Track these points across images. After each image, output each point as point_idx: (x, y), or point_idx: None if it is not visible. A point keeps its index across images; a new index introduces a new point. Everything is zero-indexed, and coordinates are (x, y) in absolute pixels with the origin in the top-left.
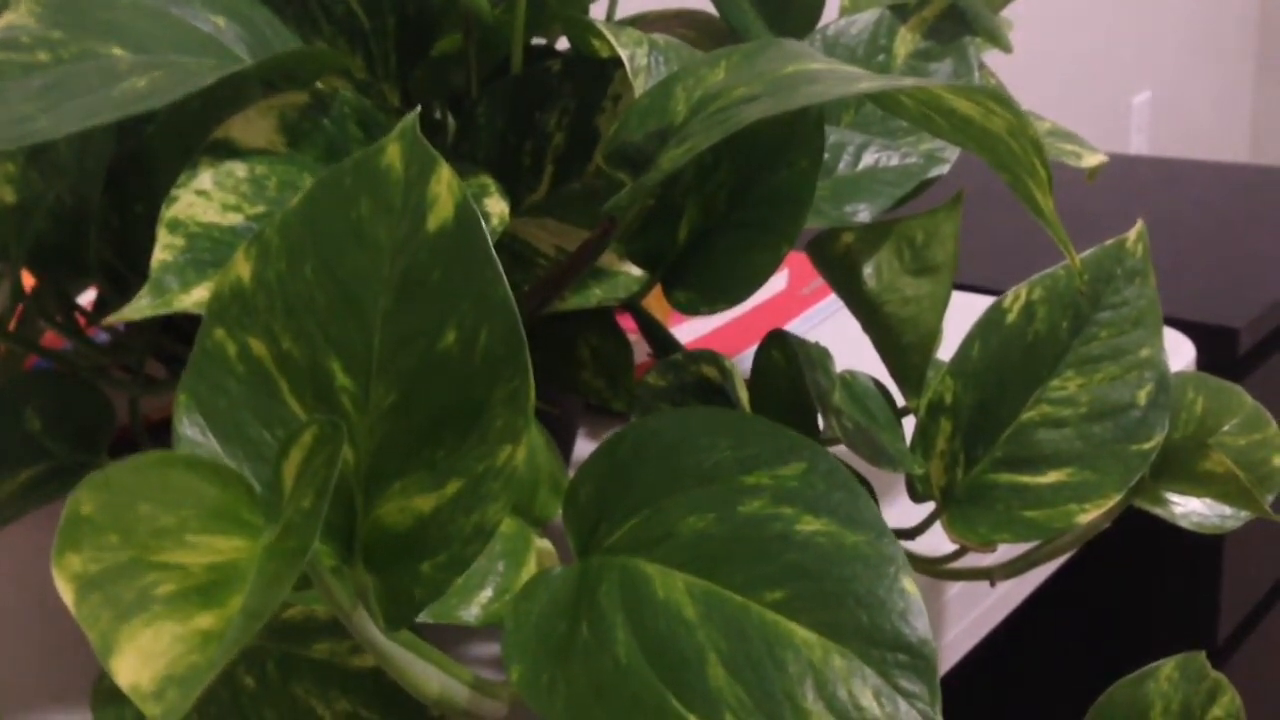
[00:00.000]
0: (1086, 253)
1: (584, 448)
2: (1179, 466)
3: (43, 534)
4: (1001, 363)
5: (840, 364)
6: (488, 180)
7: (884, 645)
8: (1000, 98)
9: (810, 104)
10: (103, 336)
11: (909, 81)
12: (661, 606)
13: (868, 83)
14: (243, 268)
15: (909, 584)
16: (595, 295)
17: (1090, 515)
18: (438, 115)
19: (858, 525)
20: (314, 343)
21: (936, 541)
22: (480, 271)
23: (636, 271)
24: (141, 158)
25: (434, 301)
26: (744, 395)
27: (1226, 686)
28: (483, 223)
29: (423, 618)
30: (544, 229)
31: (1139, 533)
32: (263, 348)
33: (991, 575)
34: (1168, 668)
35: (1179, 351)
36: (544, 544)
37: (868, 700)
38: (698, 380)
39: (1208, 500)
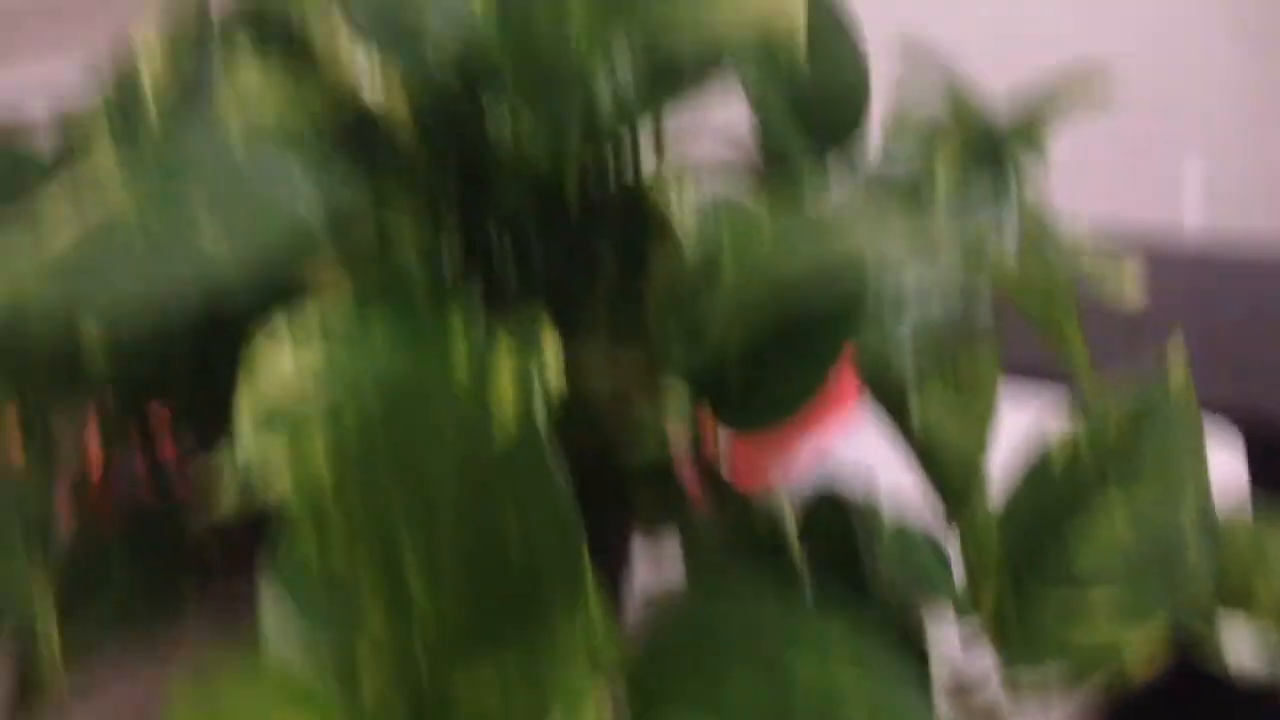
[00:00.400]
0: (1128, 388)
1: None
2: (1228, 596)
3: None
4: (1047, 507)
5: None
6: (541, 318)
7: None
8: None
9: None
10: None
11: (945, 257)
12: None
13: (904, 254)
14: (322, 471)
15: None
16: (651, 449)
17: (1135, 648)
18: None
19: None
20: (389, 545)
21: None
22: (541, 481)
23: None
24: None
25: (498, 509)
26: (796, 548)
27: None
28: (542, 437)
29: None
30: (597, 355)
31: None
32: (342, 552)
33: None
34: None
35: (1224, 439)
36: (603, 691)
37: None
38: (747, 538)
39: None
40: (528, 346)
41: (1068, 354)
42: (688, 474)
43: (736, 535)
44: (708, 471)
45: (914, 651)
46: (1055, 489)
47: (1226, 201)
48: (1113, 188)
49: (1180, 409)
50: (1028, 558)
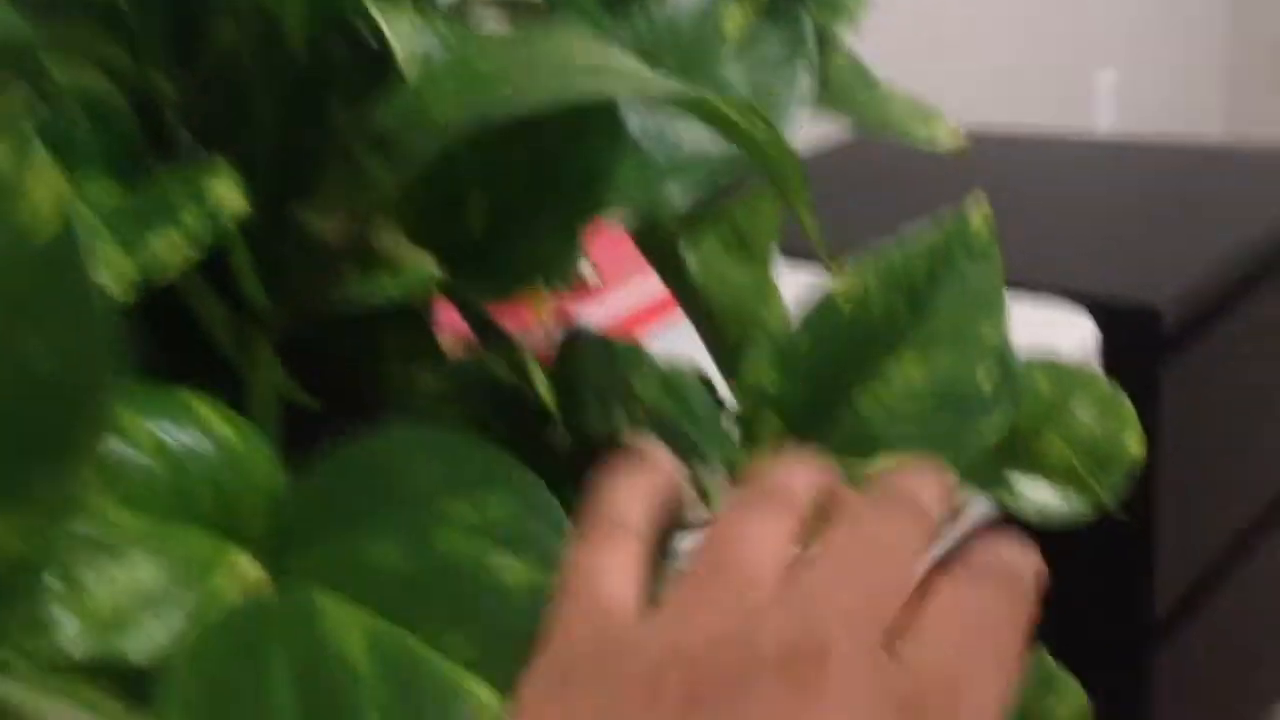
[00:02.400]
0: (926, 231)
1: None
2: (1019, 453)
3: None
4: (834, 351)
5: None
6: (221, 169)
7: None
8: (760, 112)
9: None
10: None
11: (674, 87)
12: (331, 652)
13: (636, 84)
14: None
15: None
16: (386, 289)
17: None
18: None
19: (558, 567)
20: None
21: None
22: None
23: (434, 264)
24: None
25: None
26: (547, 396)
27: (1070, 683)
28: (75, 234)
29: (77, 651)
30: (334, 219)
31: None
32: None
33: None
34: None
35: (1079, 330)
36: (256, 572)
37: None
38: (486, 381)
39: (1056, 486)
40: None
41: (793, 207)
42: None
43: (466, 382)
44: (474, 313)
45: None
46: (842, 342)
47: (1137, 110)
48: (1026, 97)
49: (980, 261)
50: (812, 418)
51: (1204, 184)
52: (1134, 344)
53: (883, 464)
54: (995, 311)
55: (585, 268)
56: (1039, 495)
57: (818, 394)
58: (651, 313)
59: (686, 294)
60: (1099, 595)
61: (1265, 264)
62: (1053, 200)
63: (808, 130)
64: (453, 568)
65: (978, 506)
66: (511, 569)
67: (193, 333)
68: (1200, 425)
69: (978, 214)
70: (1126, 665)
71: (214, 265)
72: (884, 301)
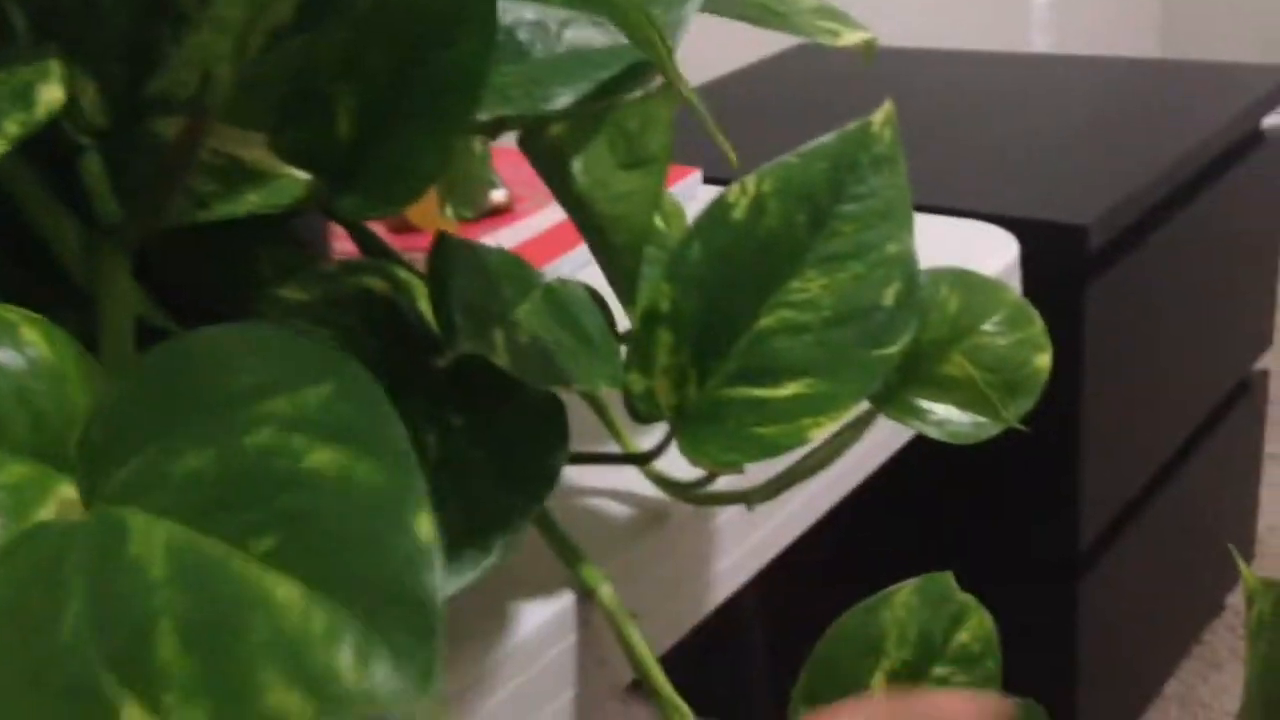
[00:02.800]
0: (827, 138)
1: None
2: (924, 371)
3: None
4: (729, 264)
5: None
6: (50, 66)
7: (378, 598)
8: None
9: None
10: None
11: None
12: (129, 565)
13: None
14: None
15: (423, 525)
16: (250, 202)
17: (824, 430)
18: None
19: (376, 455)
20: None
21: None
22: None
23: (302, 175)
24: None
25: None
26: (427, 310)
27: (974, 608)
28: None
29: None
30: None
31: (985, 447)
32: None
33: (748, 499)
34: (905, 591)
35: (1002, 248)
36: (73, 495)
37: (345, 665)
38: (358, 294)
39: (962, 406)
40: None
41: (667, 76)
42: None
43: (333, 293)
44: (359, 232)
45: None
46: (739, 254)
47: (1073, 33)
48: (962, 21)
49: (884, 170)
50: (710, 337)
51: (1133, 101)
52: (1060, 263)
53: (790, 390)
54: (900, 222)
55: (498, 192)
56: (945, 416)
57: (714, 311)
58: (567, 238)
59: (574, 205)
60: (1025, 524)
61: (1193, 183)
62: (981, 117)
63: (744, 42)
64: (262, 466)
65: (885, 431)
66: (326, 460)
67: (45, 253)
68: (1125, 346)
69: (881, 121)
70: (1053, 594)
71: (62, 176)
72: (782, 212)
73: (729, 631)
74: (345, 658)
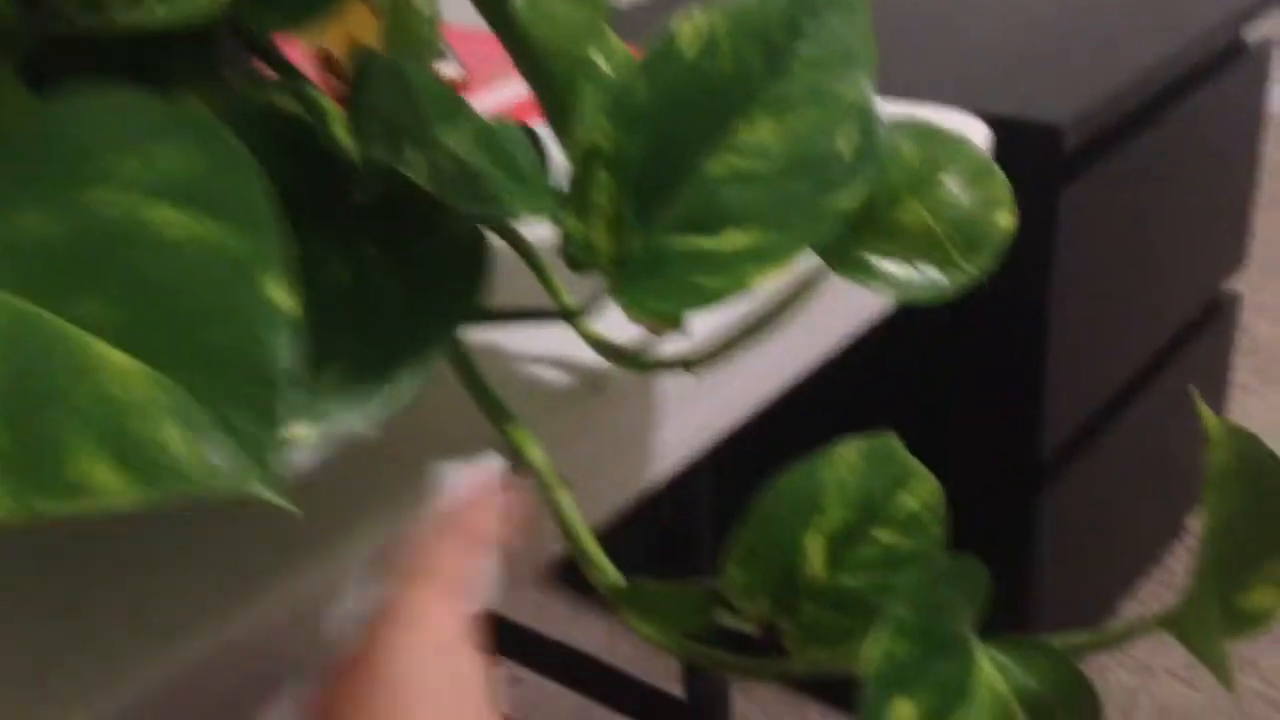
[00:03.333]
0: None
1: None
2: (877, 219)
3: None
4: (677, 105)
5: None
6: None
7: (217, 370)
8: None
9: None
10: None
11: None
12: None
13: None
14: None
15: (276, 290)
16: (155, 13)
17: (767, 278)
18: None
19: (230, 216)
20: None
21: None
22: None
23: None
24: None
25: None
26: (345, 138)
27: (920, 472)
28: None
29: None
30: None
31: (953, 343)
32: None
33: (689, 364)
34: (848, 449)
35: (974, 136)
36: None
37: (171, 438)
38: (265, 110)
39: (917, 263)
40: None
41: None
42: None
43: (263, 112)
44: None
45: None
46: (687, 94)
47: None
48: None
49: (844, 10)
50: (654, 182)
51: (1113, 3)
52: (1034, 164)
53: (736, 240)
54: (859, 68)
55: (450, 67)
56: (899, 274)
57: (659, 154)
58: (516, 114)
59: (509, 33)
60: (988, 430)
61: (1172, 89)
62: (957, 13)
63: None
64: (103, 227)
65: (841, 310)
66: (173, 220)
67: None
68: (1097, 254)
69: None
70: (1013, 504)
71: None
72: (735, 51)
73: (676, 501)
74: (171, 431)
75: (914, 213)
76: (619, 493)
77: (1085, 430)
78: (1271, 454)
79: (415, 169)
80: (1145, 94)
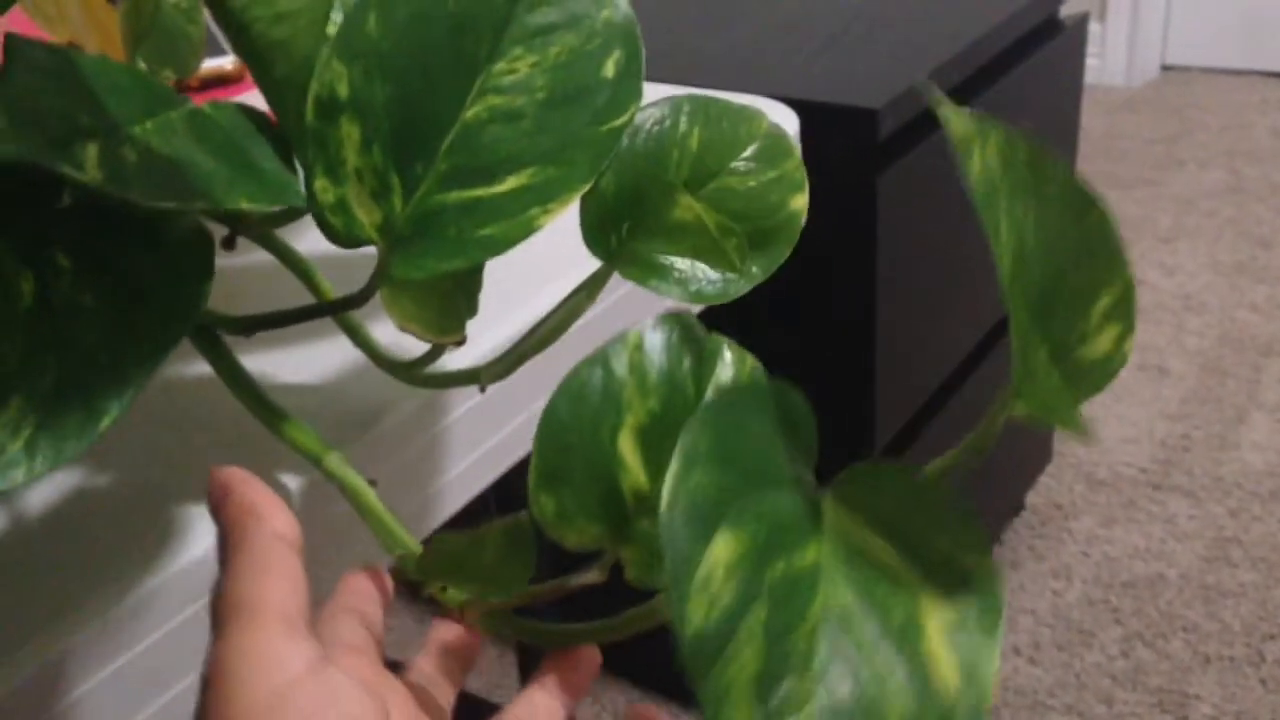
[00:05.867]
0: None
1: None
2: (653, 220)
3: None
4: (418, 42)
5: None
6: None
7: None
8: None
9: None
10: None
11: None
12: None
13: None
14: None
15: None
16: None
17: (553, 215)
18: None
19: None
20: None
21: (416, 345)
22: None
23: None
24: None
25: None
26: None
27: (732, 347)
28: None
29: None
30: None
31: (779, 334)
32: None
33: (480, 377)
34: (635, 333)
35: (781, 122)
36: None
37: None
38: None
39: (700, 262)
40: None
41: None
42: None
43: None
44: None
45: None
46: (426, 28)
47: None
48: None
49: None
50: (409, 130)
51: None
52: (851, 149)
53: (512, 184)
54: None
55: (225, 59)
56: (688, 272)
57: (409, 104)
58: None
59: (230, 28)
60: (820, 426)
61: (988, 69)
62: (771, 2)
63: None
64: None
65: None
66: None
67: None
68: (918, 239)
69: None
70: None
71: None
72: None
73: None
74: None
75: (684, 204)
76: (425, 515)
77: (918, 416)
78: (1039, 151)
79: (86, 169)
80: (961, 74)
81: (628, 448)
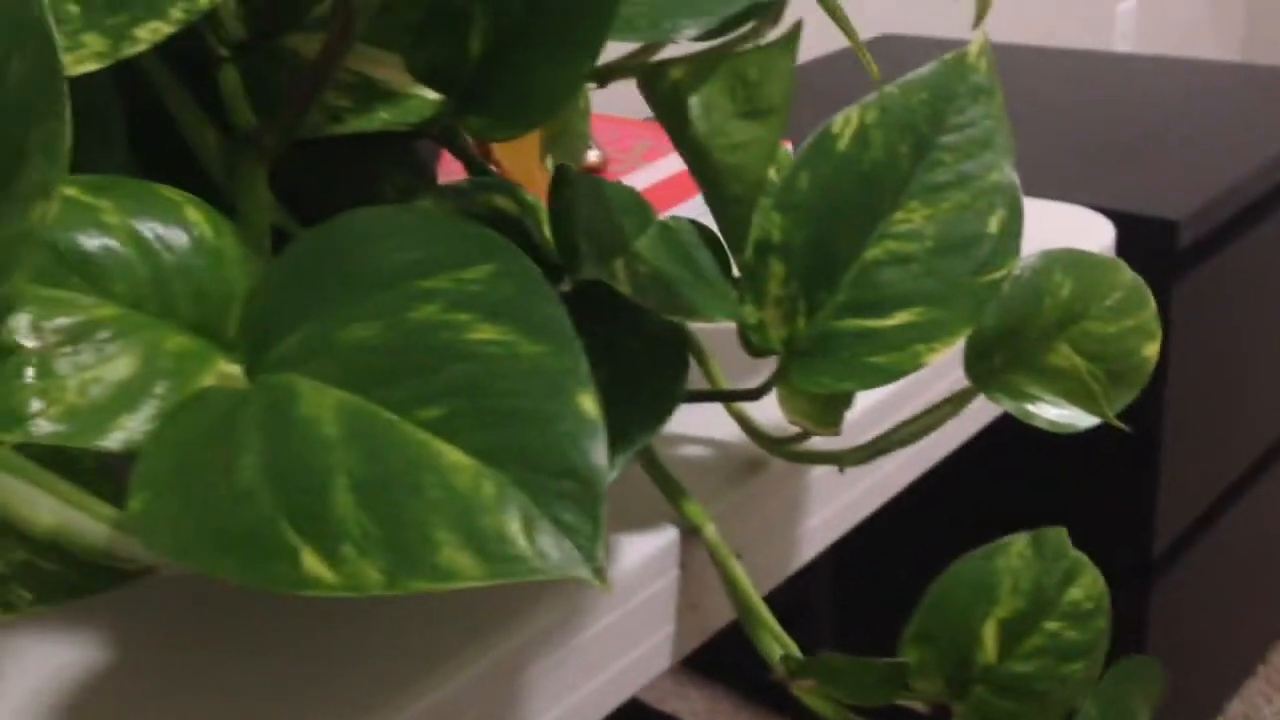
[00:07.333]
0: (924, 69)
1: None
2: (1028, 359)
3: None
4: (835, 195)
5: None
6: None
7: (545, 470)
8: None
9: None
10: None
11: None
12: (301, 424)
13: None
14: None
15: (587, 403)
16: (380, 118)
17: (937, 355)
18: None
19: (540, 334)
20: None
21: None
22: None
23: (432, 95)
24: None
25: None
26: (547, 233)
27: (1087, 566)
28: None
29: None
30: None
31: (1065, 439)
32: None
33: (841, 461)
34: (1020, 543)
35: (1098, 234)
36: (232, 369)
37: (514, 531)
38: (488, 212)
39: (1063, 401)
40: None
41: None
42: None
43: (465, 207)
44: (465, 155)
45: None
46: (843, 182)
47: (1157, 39)
48: (1049, 23)
49: (981, 99)
50: (819, 265)
51: (1221, 102)
52: (1150, 258)
53: (900, 319)
54: (1000, 152)
55: (593, 152)
56: (1046, 407)
57: (821, 243)
58: (658, 202)
59: (692, 151)
60: (1100, 525)
61: None
62: (1071, 111)
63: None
64: (428, 339)
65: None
66: (491, 336)
67: (189, 160)
68: (1211, 348)
69: (977, 51)
70: (1123, 600)
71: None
72: (884, 141)
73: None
74: (514, 524)
75: (1063, 352)
76: (776, 572)
77: (1197, 525)
78: None
79: (620, 281)
80: (1259, 189)
81: (990, 632)
